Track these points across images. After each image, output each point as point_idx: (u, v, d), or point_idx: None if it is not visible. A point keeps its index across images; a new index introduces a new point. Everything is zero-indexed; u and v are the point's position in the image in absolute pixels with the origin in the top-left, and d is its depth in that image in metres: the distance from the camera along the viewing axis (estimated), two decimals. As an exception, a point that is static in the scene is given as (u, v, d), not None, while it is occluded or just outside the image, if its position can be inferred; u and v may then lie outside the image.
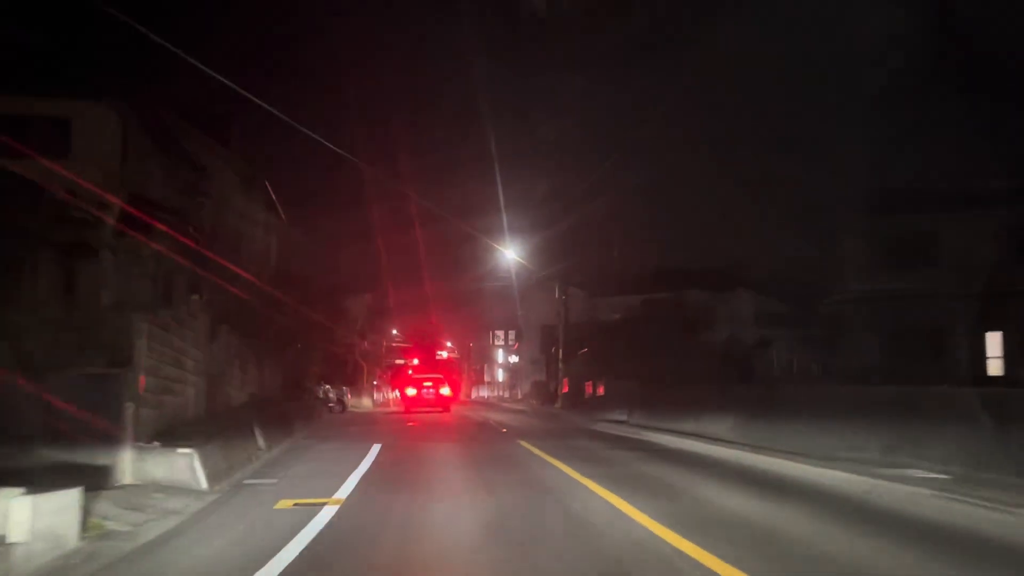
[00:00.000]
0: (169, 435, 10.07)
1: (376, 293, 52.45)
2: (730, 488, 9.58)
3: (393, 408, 42.14)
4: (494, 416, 30.61)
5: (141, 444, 9.30)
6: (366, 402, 37.32)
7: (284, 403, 18.50)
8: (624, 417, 24.60)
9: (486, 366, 75.34)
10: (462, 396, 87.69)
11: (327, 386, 31.27)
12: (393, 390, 48.10)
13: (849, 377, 24.15)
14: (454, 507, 8.38)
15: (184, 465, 9.18)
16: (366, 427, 22.70)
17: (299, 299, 26.79)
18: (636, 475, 10.97)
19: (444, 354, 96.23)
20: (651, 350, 29.40)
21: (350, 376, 40.56)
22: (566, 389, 34.84)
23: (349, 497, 8.82)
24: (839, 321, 28.78)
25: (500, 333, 64.12)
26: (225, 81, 13.45)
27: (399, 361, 78.38)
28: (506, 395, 63.53)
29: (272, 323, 21.55)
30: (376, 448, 14.94)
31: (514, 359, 60.08)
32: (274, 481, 10.23)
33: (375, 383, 49.65)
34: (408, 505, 8.45)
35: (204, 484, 9.19)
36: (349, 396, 34.03)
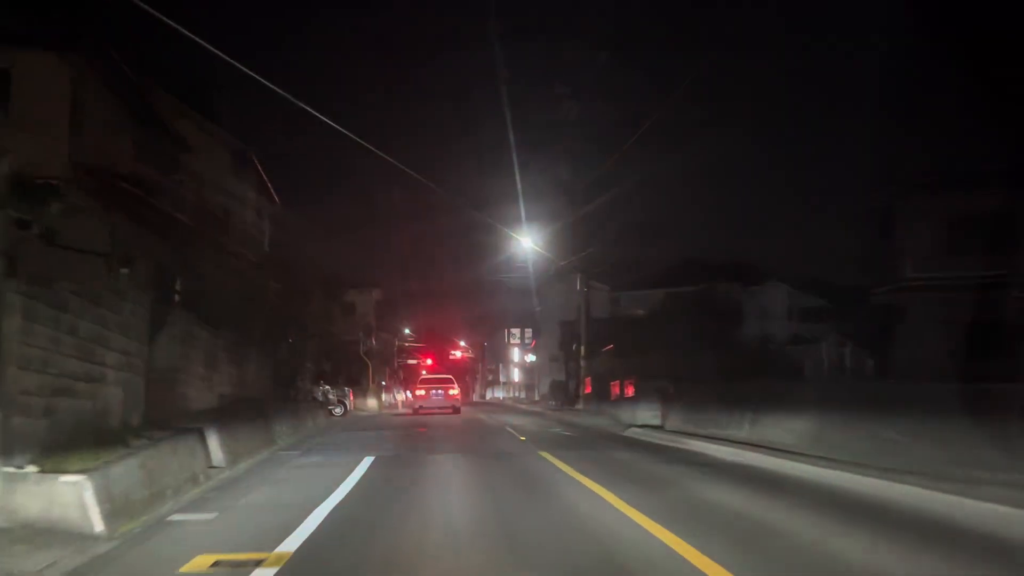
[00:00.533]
0: (67, 450, 7.30)
1: (386, 289, 49.80)
2: (874, 538, 6.54)
3: (402, 410, 39.39)
4: (510, 420, 27.78)
5: (11, 468, 6.54)
6: (372, 404, 34.69)
7: (266, 406, 15.75)
8: (657, 421, 21.73)
9: (501, 366, 72.56)
10: (476, 397, 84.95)
11: (327, 386, 28.58)
12: (404, 391, 45.38)
13: (911, 375, 21.16)
14: (455, 570, 5.59)
15: (71, 498, 6.41)
16: (364, 433, 19.94)
17: (292, 289, 24.11)
18: (702, 506, 8.13)
19: (458, 354, 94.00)
20: (683, 346, 26.48)
21: (355, 376, 37.87)
22: (589, 389, 31.95)
23: (301, 549, 6.02)
24: (895, 313, 25.76)
25: (516, 331, 61.27)
26: (219, 53, 10.78)
27: (412, 361, 76.38)
28: (522, 396, 60.66)
29: (258, 314, 18.85)
30: (367, 462, 12.16)
31: (531, 358, 57.25)
32: (210, 517, 7.45)
33: (383, 383, 46.97)
34: (387, 565, 5.66)
35: (99, 526, 6.42)
36: (352, 397, 31.35)
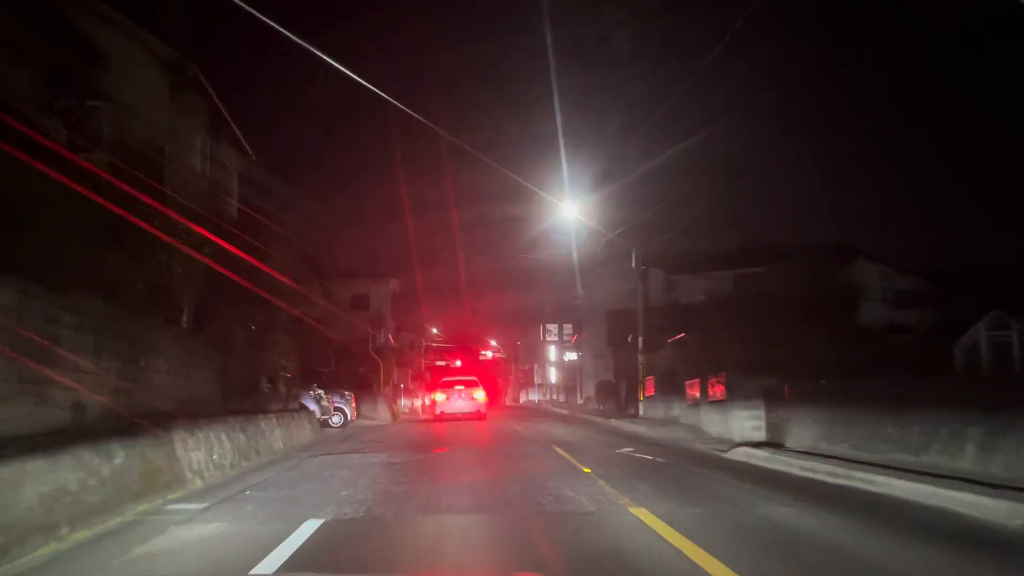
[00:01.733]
0: None
1: (407, 281, 43.69)
2: None
3: (421, 417, 33.11)
4: (554, 431, 21.45)
5: None
6: (383, 412, 28.62)
7: (171, 424, 9.61)
8: (762, 434, 15.31)
9: (536, 366, 66.21)
10: (508, 400, 78.48)
11: (319, 391, 22.46)
12: (424, 396, 39.03)
13: None
14: None
15: None
16: (350, 458, 13.74)
17: (263, 264, 17.95)
18: None
19: (489, 354, 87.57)
20: (783, 335, 19.94)
21: (366, 379, 31.78)
22: (651, 391, 25.43)
23: None
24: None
25: (553, 327, 54.76)
26: None
27: (440, 363, 70.49)
28: (560, 398, 54.13)
29: (182, 287, 12.73)
30: (295, 542, 5.97)
31: (571, 356, 50.73)
32: None
33: (403, 386, 40.82)
34: None
35: None
36: (356, 404, 25.21)
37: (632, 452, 14.32)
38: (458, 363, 64.04)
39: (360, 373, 31.76)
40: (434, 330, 69.12)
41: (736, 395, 17.27)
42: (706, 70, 28.90)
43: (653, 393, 25.02)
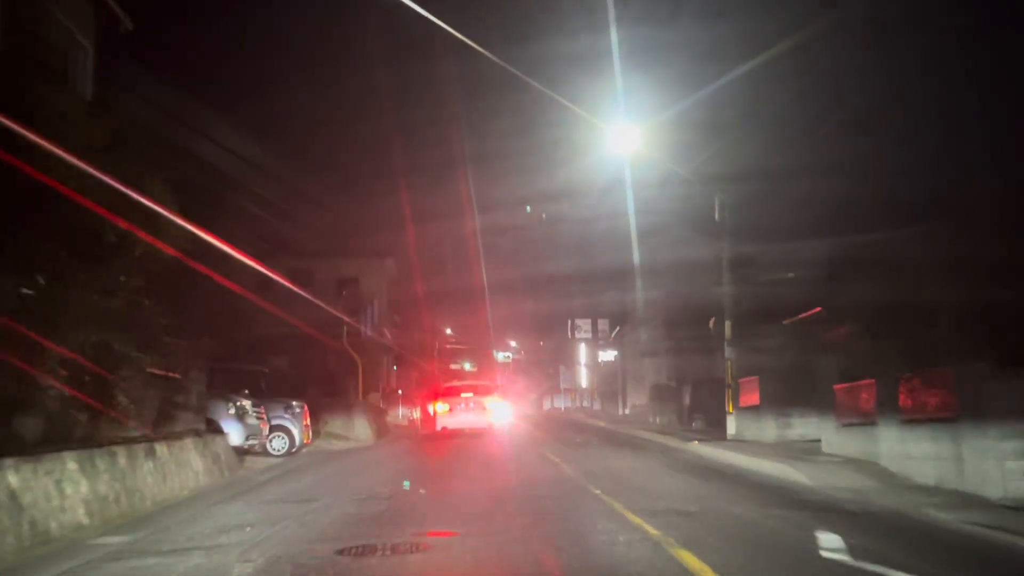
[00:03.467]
0: None
1: (401, 261, 35.39)
2: None
3: (419, 433, 24.65)
4: (613, 463, 13.28)
5: None
6: (360, 429, 20.33)
7: None
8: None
9: (562, 368, 57.79)
10: (530, 408, 69.70)
11: (241, 401, 14.21)
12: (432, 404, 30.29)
13: None
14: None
15: None
16: (187, 556, 5.46)
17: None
18: None
19: (508, 356, 78.87)
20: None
21: (336, 382, 23.55)
22: (754, 398, 16.90)
23: None
24: None
25: (584, 323, 46.18)
26: None
27: (455, 366, 62.33)
28: (594, 406, 45.58)
29: None
30: None
31: (608, 356, 42.19)
32: None
33: (400, 393, 32.54)
34: None
35: None
36: (308, 420, 16.89)
37: (845, 555, 5.95)
38: (466, 365, 56.05)
39: (332, 375, 23.57)
40: (448, 330, 61.22)
41: (991, 408, 8.81)
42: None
43: (759, 402, 16.50)
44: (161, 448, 10.30)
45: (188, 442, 11.40)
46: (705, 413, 24.70)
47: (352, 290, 31.76)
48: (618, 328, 37.35)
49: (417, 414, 24.74)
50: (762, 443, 15.77)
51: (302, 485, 11.24)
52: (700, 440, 16.93)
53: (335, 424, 20.77)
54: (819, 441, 14.64)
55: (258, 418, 15.00)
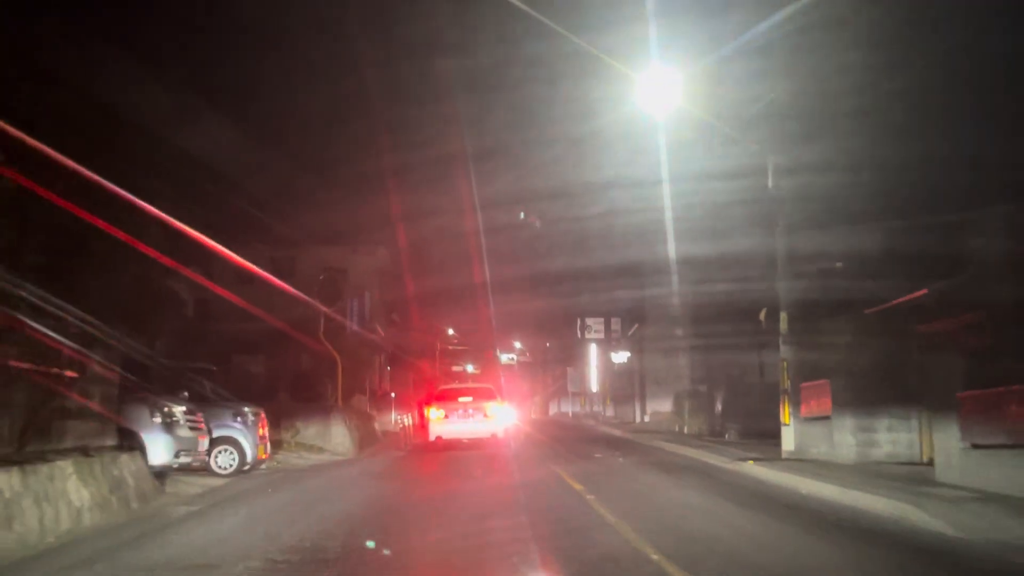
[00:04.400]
0: None
1: (398, 253, 32.11)
2: None
3: (407, 444, 21.23)
4: (650, 493, 9.99)
5: None
6: (337, 439, 16.94)
7: None
8: None
9: (570, 370, 54.45)
10: (534, 413, 66.23)
11: (171, 408, 10.89)
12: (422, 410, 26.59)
13: None
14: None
15: None
16: None
17: None
18: None
19: (513, 357, 75.27)
20: None
21: (311, 383, 20.20)
22: (822, 406, 13.50)
23: None
24: None
25: (595, 322, 42.85)
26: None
27: (457, 368, 59.21)
28: (607, 412, 42.15)
29: None
30: None
31: (621, 357, 38.68)
32: None
33: (393, 396, 29.20)
34: None
35: None
36: (265, 428, 13.48)
37: None
38: (469, 367, 52.94)
39: (307, 376, 20.18)
40: (450, 331, 58.10)
41: None
42: None
43: (829, 412, 13.10)
44: (4, 478, 7.01)
45: (65, 465, 8.11)
46: (740, 422, 21.40)
47: (331, 276, 28.39)
48: (636, 326, 33.87)
49: (409, 420, 21.42)
50: (838, 464, 12.41)
51: (222, 529, 7.94)
52: (755, 460, 13.56)
53: (308, 433, 17.48)
54: (921, 464, 11.29)
55: (194, 428, 11.68)
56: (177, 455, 11.20)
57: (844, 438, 12.77)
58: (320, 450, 17.33)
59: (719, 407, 22.31)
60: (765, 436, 17.43)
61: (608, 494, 9.72)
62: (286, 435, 17.08)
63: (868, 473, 11.03)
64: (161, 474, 10.86)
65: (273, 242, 25.76)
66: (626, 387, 37.61)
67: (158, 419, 11.09)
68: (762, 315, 15.16)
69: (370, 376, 28.09)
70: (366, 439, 19.49)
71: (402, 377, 35.24)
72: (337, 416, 17.66)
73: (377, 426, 22.56)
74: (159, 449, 10.90)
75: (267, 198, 26.19)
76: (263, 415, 13.56)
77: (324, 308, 18.92)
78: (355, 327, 23.09)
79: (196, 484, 11.59)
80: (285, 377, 19.55)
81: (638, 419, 33.30)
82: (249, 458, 12.99)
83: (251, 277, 18.60)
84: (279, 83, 34.48)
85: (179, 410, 11.42)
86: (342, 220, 31.86)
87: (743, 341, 21.56)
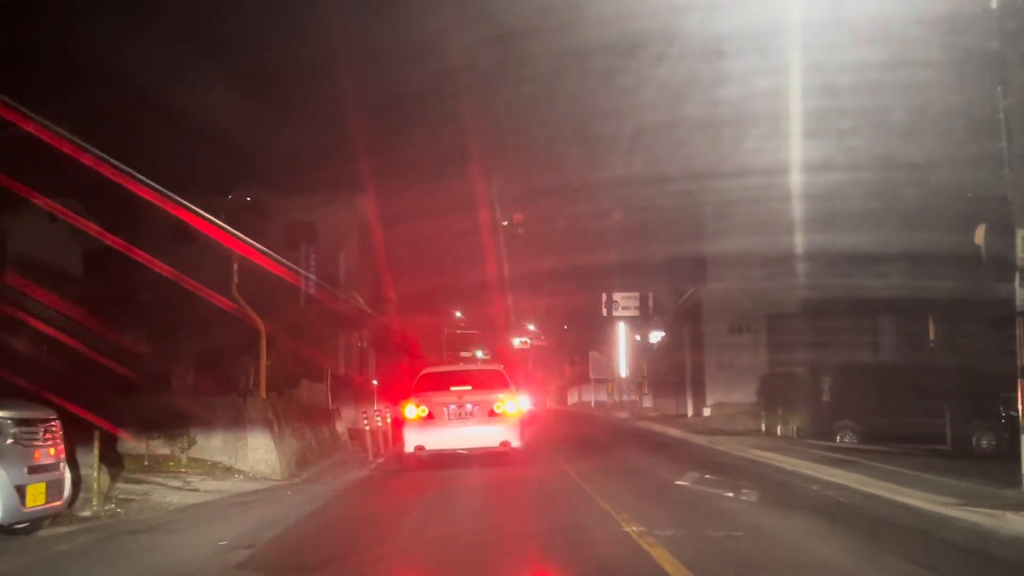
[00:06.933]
0: None
1: (379, 200, 25.37)
2: None
3: (375, 461, 14.44)
4: None
5: None
6: (257, 453, 10.61)
7: None
8: None
9: (594, 355, 47.93)
10: (552, 402, 59.28)
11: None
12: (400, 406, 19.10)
13: None
14: None
15: None
16: None
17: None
18: None
19: (527, 341, 67.95)
20: None
21: (226, 366, 13.68)
22: None
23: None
24: None
25: (624, 297, 36.16)
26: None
27: (465, 353, 53.30)
28: (645, 402, 35.38)
29: None
30: None
31: (655, 337, 31.67)
32: None
33: (376, 384, 22.75)
34: None
35: None
36: (58, 447, 7.13)
37: None
38: (479, 353, 46.92)
39: (219, 354, 13.50)
40: (458, 313, 52.32)
41: None
42: None
43: None
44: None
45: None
46: (862, 419, 14.95)
47: (311, 238, 21.93)
48: (691, 291, 26.57)
49: (381, 422, 14.68)
50: None
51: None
52: (1013, 509, 6.96)
53: (211, 445, 11.01)
54: None
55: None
56: None
57: None
58: (228, 471, 10.86)
59: (826, 399, 15.72)
60: (908, 440, 13.40)
61: None
62: (176, 448, 10.63)
63: None
64: None
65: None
66: (672, 372, 30.78)
67: None
68: (979, 234, 8.48)
69: (342, 358, 21.57)
70: (312, 451, 12.93)
71: (387, 358, 28.45)
72: (255, 417, 11.05)
73: (341, 427, 16.01)
74: None
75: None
76: (57, 425, 7.05)
77: (241, 247, 12.19)
78: (313, 290, 16.64)
79: None
80: (183, 357, 13.20)
81: (690, 412, 26.49)
82: (13, 509, 6.49)
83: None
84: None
85: None
86: (315, 164, 25.44)
87: (867, 304, 14.97)
